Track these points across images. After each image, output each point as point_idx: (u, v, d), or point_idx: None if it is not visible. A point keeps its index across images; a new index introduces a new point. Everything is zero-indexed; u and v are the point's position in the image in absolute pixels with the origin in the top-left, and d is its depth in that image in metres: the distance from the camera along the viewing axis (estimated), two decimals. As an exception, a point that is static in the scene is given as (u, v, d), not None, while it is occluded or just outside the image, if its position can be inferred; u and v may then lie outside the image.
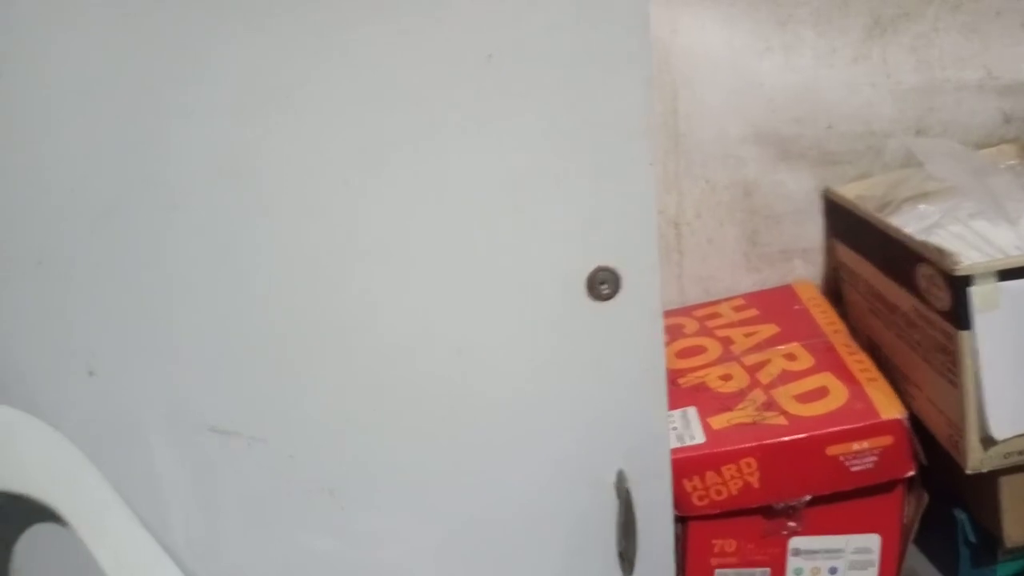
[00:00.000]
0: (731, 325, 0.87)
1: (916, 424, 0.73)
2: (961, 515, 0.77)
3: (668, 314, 0.93)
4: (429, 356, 0.58)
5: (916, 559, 0.79)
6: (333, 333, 0.57)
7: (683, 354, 0.83)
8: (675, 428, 0.71)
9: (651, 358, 0.59)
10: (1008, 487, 0.71)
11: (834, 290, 0.92)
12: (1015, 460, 0.67)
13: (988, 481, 0.70)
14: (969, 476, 0.67)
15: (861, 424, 0.68)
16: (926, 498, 0.74)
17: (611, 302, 0.58)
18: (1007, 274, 0.62)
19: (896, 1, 0.80)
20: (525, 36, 0.52)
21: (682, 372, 0.80)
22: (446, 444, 0.60)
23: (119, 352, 0.57)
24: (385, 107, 0.53)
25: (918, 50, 0.82)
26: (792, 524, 0.71)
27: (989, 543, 0.74)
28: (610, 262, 0.57)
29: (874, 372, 0.75)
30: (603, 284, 0.57)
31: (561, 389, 0.59)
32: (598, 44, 0.52)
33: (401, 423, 0.59)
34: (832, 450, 0.68)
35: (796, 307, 0.88)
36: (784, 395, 0.73)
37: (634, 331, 0.59)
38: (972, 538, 0.77)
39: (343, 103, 0.53)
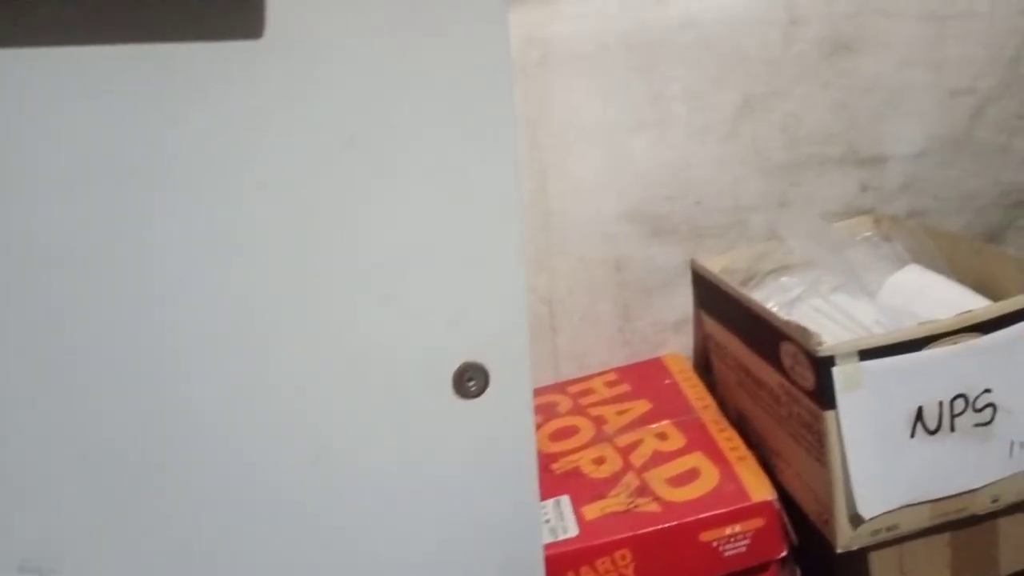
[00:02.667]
0: (604, 402, 0.85)
1: (787, 499, 0.74)
2: (834, 589, 0.77)
3: (542, 391, 0.91)
4: (278, 469, 0.52)
5: (793, 636, 0.78)
6: (172, 448, 0.51)
7: (556, 436, 0.81)
8: (548, 521, 0.68)
9: (522, 456, 0.56)
10: (877, 565, 0.71)
11: (705, 362, 0.93)
12: (883, 537, 0.68)
13: (858, 560, 0.70)
14: (840, 553, 0.67)
15: (733, 508, 0.67)
16: (799, 575, 0.74)
17: (479, 399, 0.55)
18: (869, 353, 0.63)
19: (766, 79, 0.82)
20: (387, 117, 0.49)
21: (556, 456, 0.78)
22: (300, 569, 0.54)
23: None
24: (236, 189, 0.48)
25: (787, 128, 0.84)
26: (669, 612, 0.70)
27: (862, 617, 0.75)
28: (478, 357, 0.54)
29: (743, 450, 0.74)
30: (470, 381, 0.54)
31: (427, 497, 0.55)
32: (463, 127, 0.50)
33: (247, 554, 0.53)
34: (705, 536, 0.67)
35: (667, 381, 0.87)
36: (656, 478, 0.72)
37: (503, 428, 0.55)
38: (845, 612, 0.77)
39: (191, 187, 0.48)
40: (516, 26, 0.77)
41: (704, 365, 0.93)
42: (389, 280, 0.50)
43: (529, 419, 0.56)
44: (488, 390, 0.55)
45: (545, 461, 0.78)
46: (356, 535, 0.55)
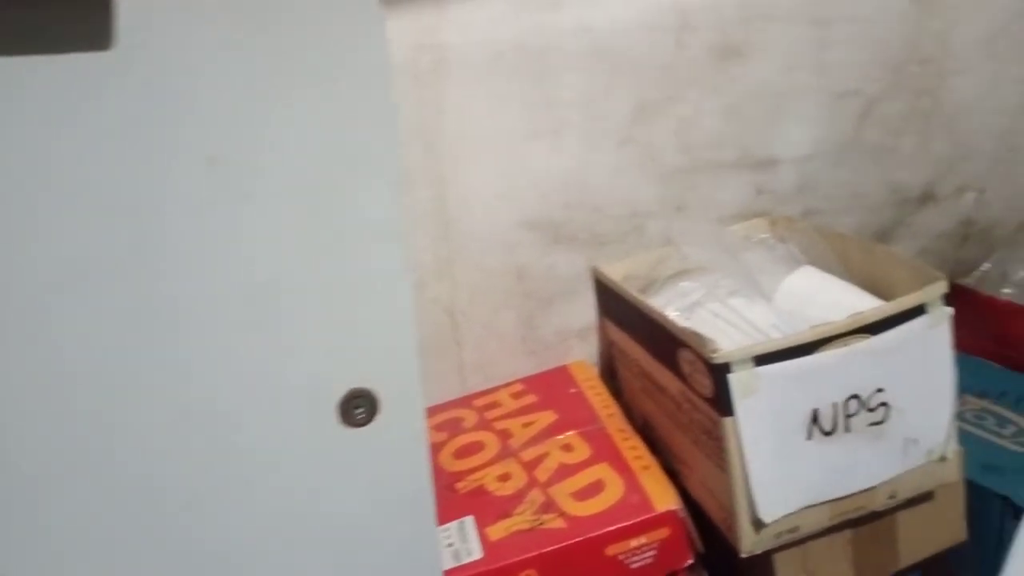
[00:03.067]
0: (509, 415, 0.84)
1: (693, 505, 0.73)
2: (742, 591, 0.78)
3: (448, 405, 0.89)
4: (152, 516, 0.49)
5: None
6: (44, 487, 0.46)
7: (461, 453, 0.79)
8: (451, 544, 0.66)
9: (418, 484, 0.54)
10: (782, 566, 0.71)
11: (611, 368, 0.92)
12: (786, 539, 0.68)
13: (763, 561, 0.70)
14: (745, 557, 0.67)
15: (638, 520, 0.67)
16: (707, 580, 0.73)
17: (368, 428, 0.52)
18: (763, 359, 0.63)
19: (659, 85, 0.82)
20: (253, 133, 0.45)
21: (460, 475, 0.76)
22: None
23: None
24: (84, 214, 0.44)
25: (681, 133, 0.84)
26: (578, 628, 0.68)
27: (770, 617, 0.75)
28: (365, 383, 0.51)
29: (648, 459, 0.74)
30: (358, 409, 0.52)
31: (319, 533, 0.53)
32: (337, 142, 0.47)
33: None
34: (611, 550, 0.66)
35: (572, 390, 0.86)
36: (561, 493, 0.70)
37: (396, 457, 0.53)
38: (754, 613, 0.78)
39: (36, 212, 0.43)
40: (405, 32, 0.75)
41: (610, 371, 0.93)
42: (259, 307, 0.47)
43: (423, 445, 0.54)
44: (378, 417, 0.52)
45: (449, 480, 0.75)
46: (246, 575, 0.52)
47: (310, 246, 0.47)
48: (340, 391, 0.51)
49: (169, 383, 0.47)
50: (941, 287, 0.65)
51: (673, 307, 0.81)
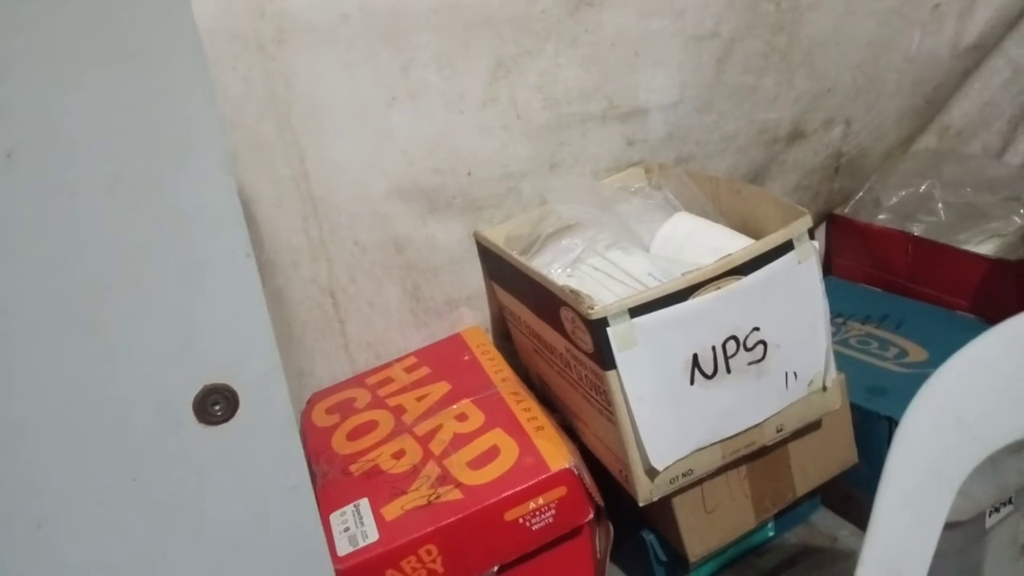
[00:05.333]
0: (403, 390, 0.82)
1: (592, 458, 0.74)
2: (649, 536, 0.79)
3: (340, 387, 0.87)
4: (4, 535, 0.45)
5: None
6: None
7: (354, 434, 0.77)
8: (347, 529, 0.65)
9: (292, 476, 0.52)
10: (682, 508, 0.73)
11: (504, 330, 0.91)
12: (681, 483, 0.69)
13: (664, 505, 0.71)
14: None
15: (533, 482, 0.66)
16: (612, 530, 0.74)
17: (229, 424, 0.49)
18: (638, 310, 0.63)
19: (515, 40, 0.80)
20: (53, 127, 0.42)
21: (354, 457, 0.74)
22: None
23: None
24: None
25: (544, 88, 0.83)
26: (488, 597, 0.68)
27: (679, 558, 0.76)
28: (220, 378, 0.49)
29: (542, 419, 0.73)
30: (216, 406, 0.49)
31: (193, 540, 0.50)
32: (150, 127, 0.43)
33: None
34: (510, 514, 0.66)
35: (466, 358, 0.85)
36: (457, 464, 0.69)
37: (264, 450, 0.51)
38: (663, 556, 0.79)
39: None
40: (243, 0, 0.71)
41: (504, 334, 0.92)
42: (83, 308, 0.44)
43: (292, 435, 0.52)
44: (239, 412, 0.50)
45: (344, 464, 0.73)
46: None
47: (135, 239, 0.44)
48: (193, 389, 0.48)
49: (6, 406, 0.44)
50: (806, 222, 0.66)
51: (557, 264, 0.81)
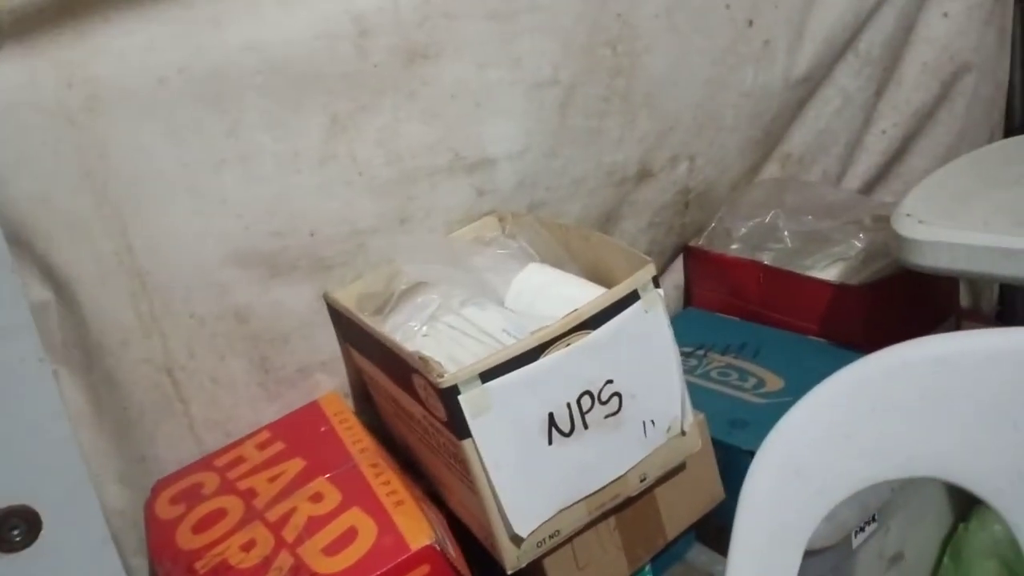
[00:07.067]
0: (255, 470, 0.77)
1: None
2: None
3: (186, 471, 0.80)
4: None
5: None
6: None
7: (200, 526, 0.71)
8: (188, 639, 0.59)
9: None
10: (554, 569, 0.70)
11: (365, 392, 0.87)
12: (549, 544, 0.67)
13: (535, 567, 0.69)
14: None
15: (392, 564, 0.62)
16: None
17: (31, 549, 0.44)
18: (489, 374, 0.61)
19: (350, 95, 0.77)
20: None
21: (200, 552, 0.68)
22: None
23: None
24: None
25: (385, 143, 0.80)
26: None
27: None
28: (19, 499, 0.43)
29: (402, 492, 0.70)
30: (14, 530, 0.43)
31: None
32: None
33: None
34: (373, 601, 0.62)
35: (323, 429, 0.81)
36: (312, 551, 0.65)
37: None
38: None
39: None
40: (47, 71, 0.65)
41: (366, 396, 0.88)
42: None
43: (109, 554, 0.47)
44: (42, 535, 0.44)
45: (189, 562, 0.67)
46: None
47: None
48: (-17, 518, 0.42)
49: None
50: (649, 271, 0.66)
51: (414, 321, 0.77)
